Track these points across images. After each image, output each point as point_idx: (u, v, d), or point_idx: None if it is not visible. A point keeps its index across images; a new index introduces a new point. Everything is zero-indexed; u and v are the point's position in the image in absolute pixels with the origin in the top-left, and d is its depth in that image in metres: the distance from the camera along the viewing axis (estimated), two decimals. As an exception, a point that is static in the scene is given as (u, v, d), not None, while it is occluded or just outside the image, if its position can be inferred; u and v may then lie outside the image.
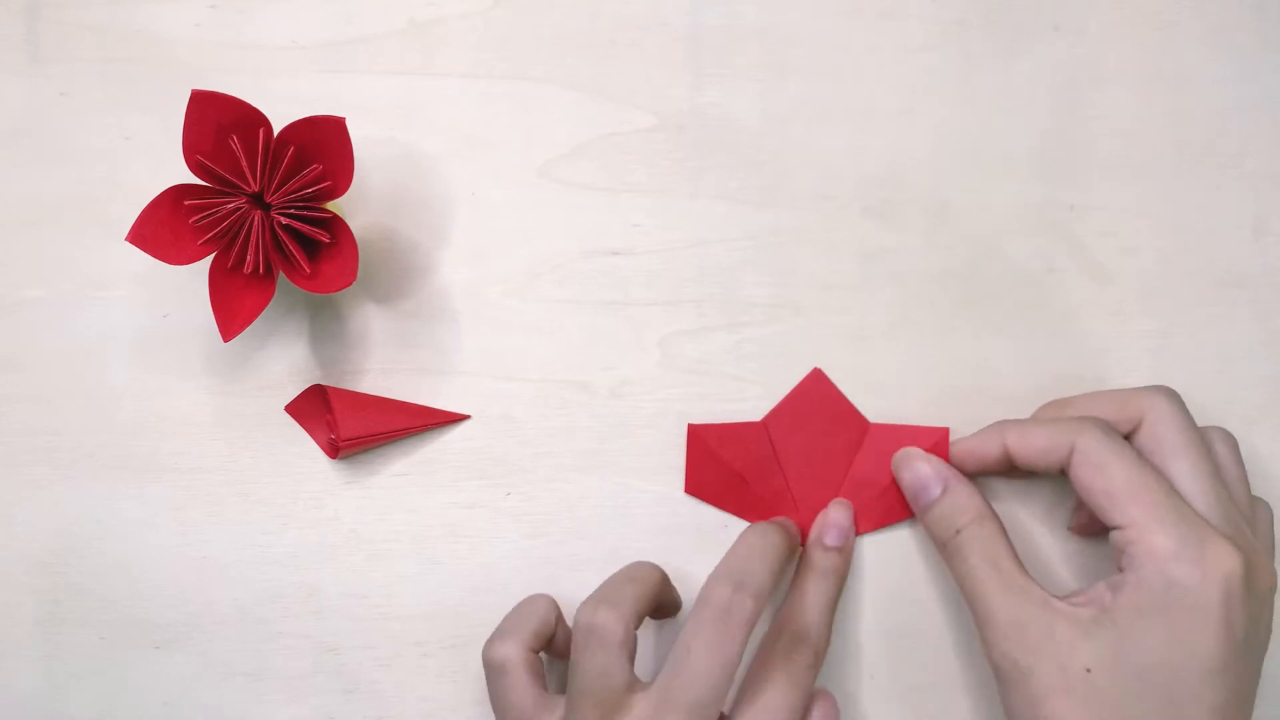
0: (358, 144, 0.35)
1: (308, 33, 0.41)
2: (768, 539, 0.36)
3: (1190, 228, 0.41)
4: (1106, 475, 0.34)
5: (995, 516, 0.36)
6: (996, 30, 0.41)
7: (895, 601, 0.40)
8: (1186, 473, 0.34)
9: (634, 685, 0.34)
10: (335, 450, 0.39)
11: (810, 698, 0.36)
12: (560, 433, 0.40)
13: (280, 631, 0.40)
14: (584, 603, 0.35)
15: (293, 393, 0.40)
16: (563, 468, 0.40)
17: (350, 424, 0.39)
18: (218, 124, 0.35)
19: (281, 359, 0.40)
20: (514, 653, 0.36)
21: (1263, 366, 0.40)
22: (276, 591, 0.40)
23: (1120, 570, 0.33)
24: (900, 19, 0.41)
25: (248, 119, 0.35)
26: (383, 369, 0.40)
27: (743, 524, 0.40)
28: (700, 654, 0.33)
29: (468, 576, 0.40)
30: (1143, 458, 0.34)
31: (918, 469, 0.38)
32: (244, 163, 0.35)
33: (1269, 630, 0.34)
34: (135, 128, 0.41)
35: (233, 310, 0.36)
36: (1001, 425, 0.38)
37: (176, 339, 0.40)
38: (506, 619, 0.37)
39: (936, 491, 0.37)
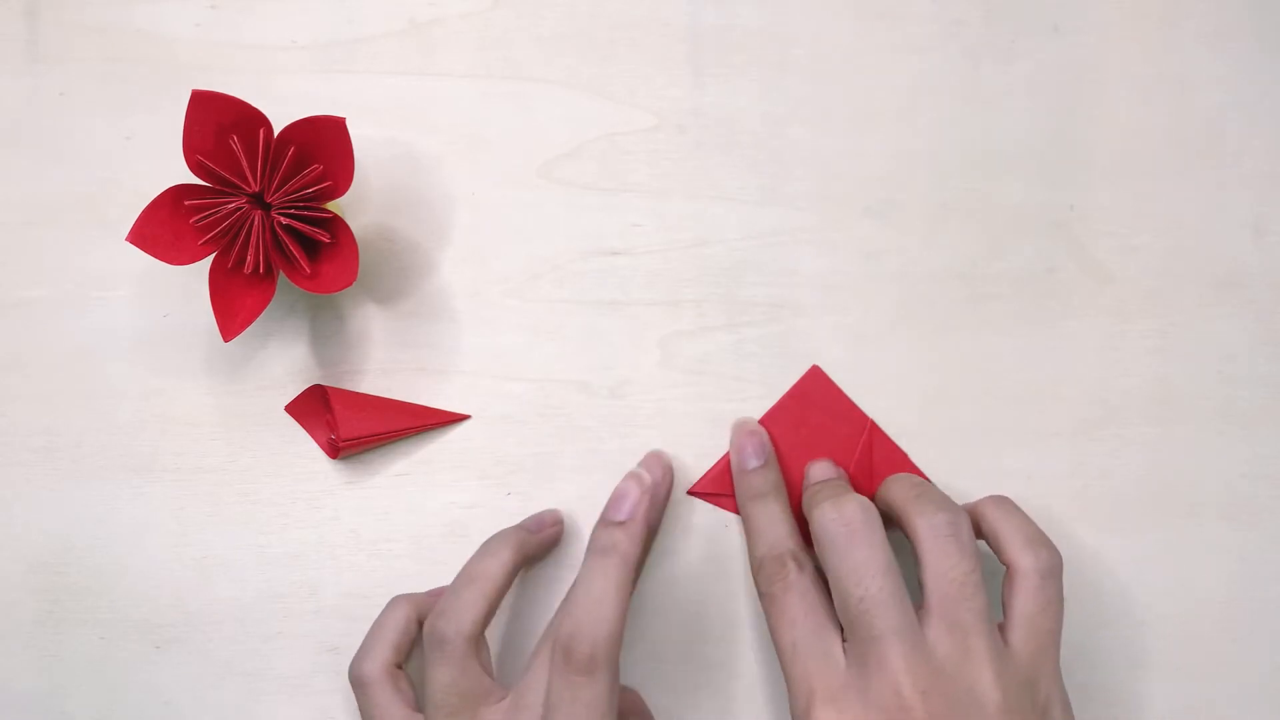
0: (358, 144, 0.35)
1: (308, 33, 0.41)
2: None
3: (1190, 228, 0.41)
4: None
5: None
6: (996, 30, 0.41)
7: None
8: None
9: (490, 693, 0.34)
10: (335, 450, 0.39)
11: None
12: (560, 433, 0.40)
13: (280, 631, 0.40)
14: (429, 614, 0.35)
15: (293, 393, 0.40)
16: (563, 468, 0.40)
17: (350, 424, 0.39)
18: (218, 124, 0.35)
19: (281, 359, 0.40)
20: (373, 669, 0.35)
21: (1263, 366, 0.40)
22: (276, 591, 0.40)
23: None
24: (900, 19, 0.41)
25: (248, 119, 0.35)
26: (383, 369, 0.40)
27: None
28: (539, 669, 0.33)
29: (468, 576, 0.40)
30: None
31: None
32: (244, 163, 0.35)
33: None
34: (135, 128, 0.41)
35: (233, 310, 0.36)
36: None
37: (176, 339, 0.40)
38: (368, 634, 0.37)
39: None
